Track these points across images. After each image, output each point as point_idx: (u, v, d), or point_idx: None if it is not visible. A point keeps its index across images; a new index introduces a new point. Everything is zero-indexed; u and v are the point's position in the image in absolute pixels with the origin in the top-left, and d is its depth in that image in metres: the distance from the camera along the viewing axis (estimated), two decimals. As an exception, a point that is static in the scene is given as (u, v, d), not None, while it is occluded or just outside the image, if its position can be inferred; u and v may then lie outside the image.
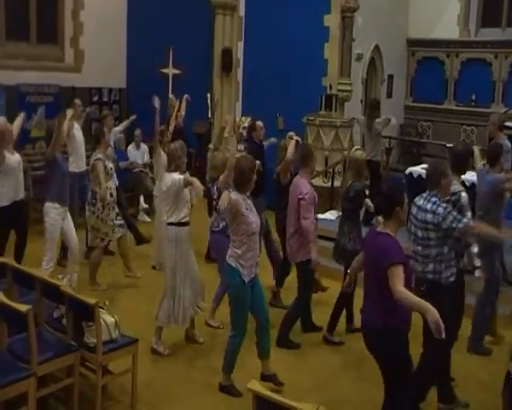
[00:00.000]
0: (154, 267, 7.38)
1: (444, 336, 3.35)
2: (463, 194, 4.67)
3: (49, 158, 6.19)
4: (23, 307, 3.90)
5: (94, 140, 6.96)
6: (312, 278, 5.82)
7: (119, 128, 8.85)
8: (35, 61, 10.75)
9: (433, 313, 3.38)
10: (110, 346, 4.40)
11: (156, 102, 7.41)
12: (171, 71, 11.47)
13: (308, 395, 4.77)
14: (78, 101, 8.10)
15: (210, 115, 10.84)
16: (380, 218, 4.01)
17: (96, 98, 11.82)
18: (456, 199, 4.61)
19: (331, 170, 9.30)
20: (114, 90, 12.16)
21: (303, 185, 5.55)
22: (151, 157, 10.86)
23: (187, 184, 5.30)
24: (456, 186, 4.68)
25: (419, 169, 8.20)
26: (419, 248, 4.41)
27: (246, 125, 10.49)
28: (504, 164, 6.44)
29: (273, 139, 7.67)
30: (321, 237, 7.71)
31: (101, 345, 4.26)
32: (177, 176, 5.30)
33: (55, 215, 6.19)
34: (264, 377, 4.82)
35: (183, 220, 5.36)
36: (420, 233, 4.38)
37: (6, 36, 10.63)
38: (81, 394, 4.36)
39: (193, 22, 11.08)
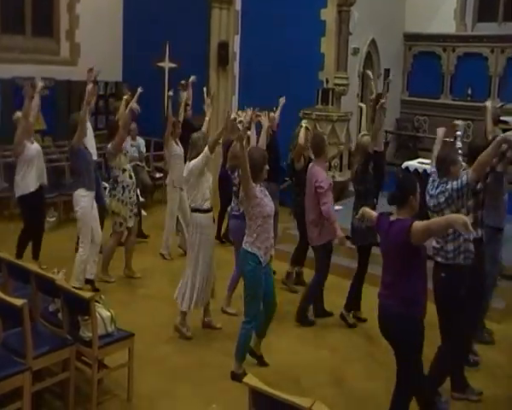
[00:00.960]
0: (162, 256, 7.61)
1: (471, 229, 3.42)
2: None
3: (74, 147, 6.26)
4: (18, 302, 3.90)
5: (108, 133, 6.98)
6: (329, 259, 6.06)
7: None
8: (30, 54, 10.72)
9: (456, 218, 3.52)
10: (106, 340, 4.40)
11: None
12: (167, 64, 11.42)
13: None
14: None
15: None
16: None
17: (91, 92, 11.77)
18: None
19: (328, 164, 9.28)
20: (110, 83, 12.13)
21: (318, 173, 5.84)
22: (147, 150, 10.87)
23: (215, 143, 5.47)
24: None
25: (415, 163, 8.23)
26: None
27: (242, 119, 10.52)
28: None
29: (282, 99, 7.73)
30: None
31: (97, 339, 4.26)
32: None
33: (85, 203, 6.28)
34: (252, 353, 5.05)
35: (205, 207, 5.52)
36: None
37: (1, 29, 10.61)
38: (77, 388, 4.36)
39: (189, 16, 11.04)
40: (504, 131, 7.45)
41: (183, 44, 10.98)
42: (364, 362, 5.29)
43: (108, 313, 4.50)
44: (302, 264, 6.92)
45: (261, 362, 5.10)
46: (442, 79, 12.44)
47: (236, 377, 4.79)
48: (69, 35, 11.48)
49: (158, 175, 10.53)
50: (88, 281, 6.45)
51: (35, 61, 10.64)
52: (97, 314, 4.31)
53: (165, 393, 4.69)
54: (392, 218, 3.94)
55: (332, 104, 9.83)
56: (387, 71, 12.05)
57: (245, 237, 4.81)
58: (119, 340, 4.51)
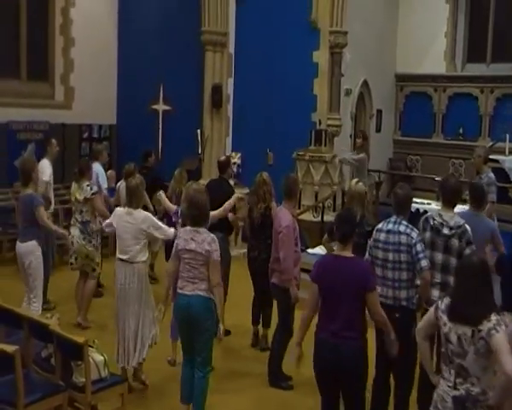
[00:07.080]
0: None
1: None
2: (468, 227, 4.64)
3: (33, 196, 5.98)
4: (10, 348, 3.82)
5: (78, 173, 6.78)
6: (292, 309, 5.57)
7: None
8: (25, 98, 10.78)
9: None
10: (99, 385, 4.31)
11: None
12: (161, 107, 11.55)
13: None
14: (54, 140, 8.00)
15: (200, 151, 10.88)
16: None
17: (86, 135, 11.84)
18: (462, 232, 4.60)
19: (321, 204, 9.31)
20: (104, 126, 12.19)
21: (283, 218, 5.44)
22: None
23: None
24: (458, 219, 4.67)
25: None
26: (389, 272, 4.46)
27: (237, 160, 10.61)
28: (489, 196, 6.47)
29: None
30: (309, 271, 7.66)
31: (90, 384, 4.17)
32: None
33: (40, 253, 5.98)
34: None
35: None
36: (391, 256, 4.45)
37: (-4, 73, 10.69)
38: (69, 435, 4.25)
39: (183, 59, 11.19)
40: (494, 169, 7.52)
41: (178, 87, 11.10)
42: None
43: (101, 358, 4.42)
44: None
45: None
46: (434, 118, 12.58)
47: None
48: (64, 79, 11.58)
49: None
50: None
51: (30, 105, 10.70)
52: (90, 359, 4.23)
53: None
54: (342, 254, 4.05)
55: (325, 145, 9.90)
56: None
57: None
58: (112, 385, 4.42)
